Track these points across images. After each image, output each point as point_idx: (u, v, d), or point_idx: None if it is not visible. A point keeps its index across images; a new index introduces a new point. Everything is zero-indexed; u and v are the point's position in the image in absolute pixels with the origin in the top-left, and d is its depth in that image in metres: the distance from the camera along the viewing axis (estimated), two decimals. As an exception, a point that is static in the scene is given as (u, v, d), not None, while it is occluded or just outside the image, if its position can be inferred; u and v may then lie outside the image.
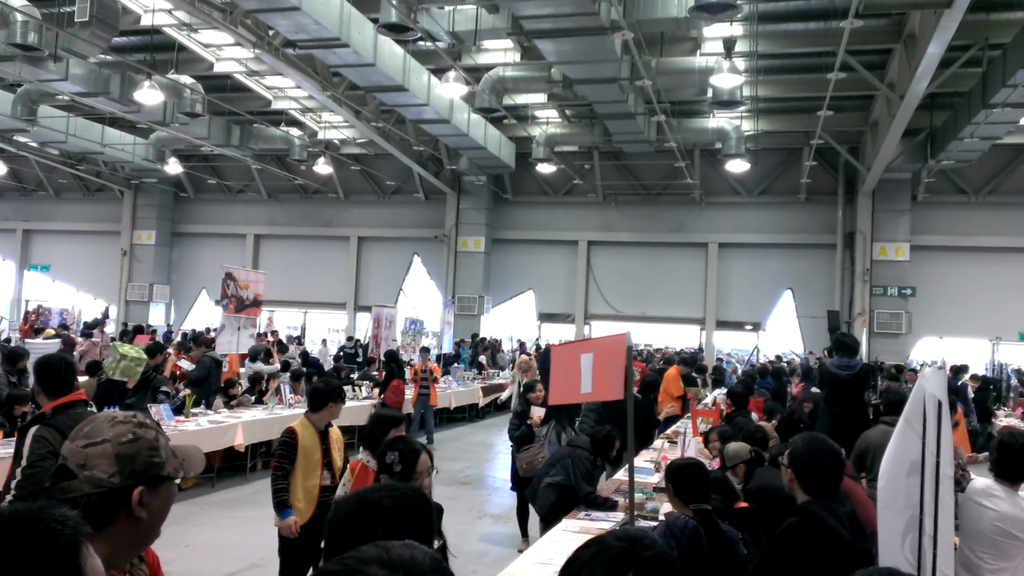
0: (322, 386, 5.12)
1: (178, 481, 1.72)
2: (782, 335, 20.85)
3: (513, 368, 15.28)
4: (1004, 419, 12.87)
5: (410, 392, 12.57)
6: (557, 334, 21.47)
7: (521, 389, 11.48)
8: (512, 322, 23.11)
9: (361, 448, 4.30)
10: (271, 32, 12.68)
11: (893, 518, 3.47)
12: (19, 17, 11.61)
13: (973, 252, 19.50)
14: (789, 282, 20.84)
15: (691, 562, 3.28)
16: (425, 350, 14.16)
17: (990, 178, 19.36)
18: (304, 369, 13.12)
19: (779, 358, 18.33)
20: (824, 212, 20.43)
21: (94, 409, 4.64)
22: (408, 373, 13.02)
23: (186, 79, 15.27)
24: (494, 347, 20.00)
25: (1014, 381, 15.83)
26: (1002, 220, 19.25)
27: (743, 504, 4.22)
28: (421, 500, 1.83)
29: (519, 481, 6.99)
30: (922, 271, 19.40)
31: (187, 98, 15.27)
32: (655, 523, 4.17)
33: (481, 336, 20.45)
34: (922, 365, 16.10)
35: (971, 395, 13.03)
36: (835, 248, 20.18)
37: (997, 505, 3.49)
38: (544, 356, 12.36)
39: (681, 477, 3.59)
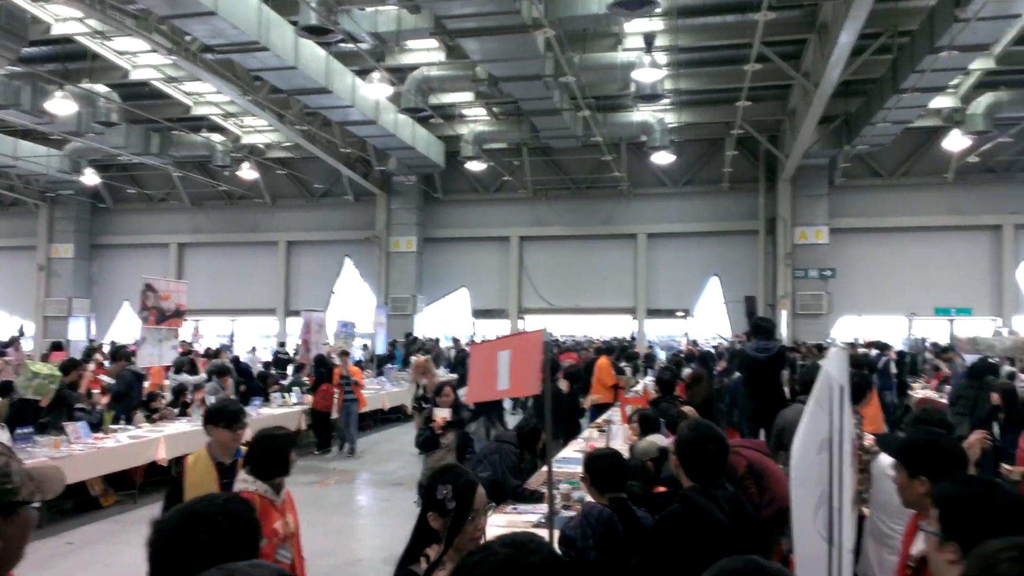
0: (228, 403, 4.29)
1: (36, 505, 1.65)
2: (710, 320, 21.40)
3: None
4: (920, 391, 13.48)
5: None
6: (492, 330, 21.56)
7: (421, 392, 11.18)
8: (447, 320, 23.12)
9: (242, 472, 3.55)
10: (188, 37, 12.41)
11: (806, 494, 3.63)
12: (-85, 27, 11.08)
13: (889, 232, 20.35)
14: (715, 269, 21.40)
15: (607, 549, 3.38)
16: (344, 354, 13.63)
17: (903, 160, 20.22)
18: (226, 365, 12.89)
19: (694, 343, 18.80)
20: (747, 199, 21.03)
21: None
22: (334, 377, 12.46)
23: (101, 88, 14.82)
24: (427, 347, 19.95)
25: (928, 355, 16.58)
26: (915, 201, 20.13)
27: (661, 489, 4.36)
28: (245, 505, 1.78)
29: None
30: (841, 253, 20.14)
31: (102, 107, 14.84)
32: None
33: (414, 336, 20.39)
34: (829, 345, 16.69)
35: (894, 371, 13.61)
36: (758, 234, 20.80)
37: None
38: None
39: (597, 468, 3.68)
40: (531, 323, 21.69)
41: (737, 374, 8.35)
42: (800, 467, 3.62)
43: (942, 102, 16.88)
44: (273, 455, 3.48)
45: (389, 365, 17.16)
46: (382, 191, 22.28)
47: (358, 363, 16.15)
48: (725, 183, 20.85)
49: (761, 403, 7.01)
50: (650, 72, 13.25)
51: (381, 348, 18.78)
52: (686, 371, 9.61)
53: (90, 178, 20.94)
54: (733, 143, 18.60)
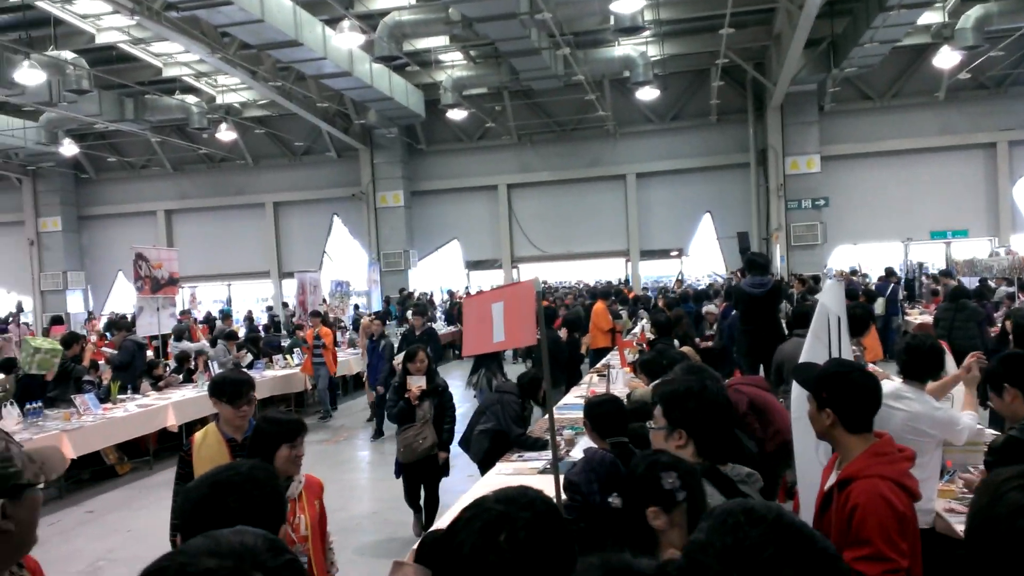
0: (230, 374, 3.92)
1: (40, 486, 1.67)
2: (705, 259, 21.33)
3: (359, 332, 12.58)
4: (919, 317, 13.49)
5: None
6: (486, 281, 21.48)
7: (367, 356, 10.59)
8: (441, 273, 23.01)
9: None
10: (149, -5, 11.97)
11: (807, 426, 3.60)
12: None
13: (881, 157, 20.14)
14: (708, 205, 21.22)
15: (611, 492, 3.35)
16: (315, 314, 12.99)
17: (893, 81, 19.89)
18: (232, 330, 12.85)
19: (680, 282, 18.76)
20: (736, 131, 20.74)
21: None
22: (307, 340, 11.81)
23: (68, 55, 14.38)
24: (423, 302, 19.88)
25: (925, 279, 16.57)
26: (907, 122, 19.88)
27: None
28: (268, 472, 1.84)
29: (401, 467, 6.11)
30: (834, 181, 19.96)
31: (71, 74, 14.45)
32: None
33: (408, 291, 20.29)
34: (824, 275, 16.68)
35: (901, 296, 13.64)
36: (749, 167, 20.57)
37: (908, 406, 3.63)
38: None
39: (597, 413, 3.66)
40: (525, 272, 21.60)
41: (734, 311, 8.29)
42: (800, 400, 3.58)
43: (930, 17, 16.49)
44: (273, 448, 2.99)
45: (388, 322, 17.09)
46: (364, 146, 21.92)
47: (356, 322, 16.08)
48: (713, 116, 20.53)
49: (758, 339, 6.97)
50: (629, 3, 12.88)
51: (376, 305, 18.71)
52: (707, 307, 9.57)
53: (68, 148, 20.52)
54: (719, 73, 18.20)
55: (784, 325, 7.21)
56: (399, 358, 9.08)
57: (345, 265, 22.13)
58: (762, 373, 6.72)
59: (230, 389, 3.57)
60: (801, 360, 3.77)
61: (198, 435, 3.68)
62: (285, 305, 20.52)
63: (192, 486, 1.81)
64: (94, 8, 14.26)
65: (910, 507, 2.40)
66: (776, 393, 5.35)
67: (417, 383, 5.99)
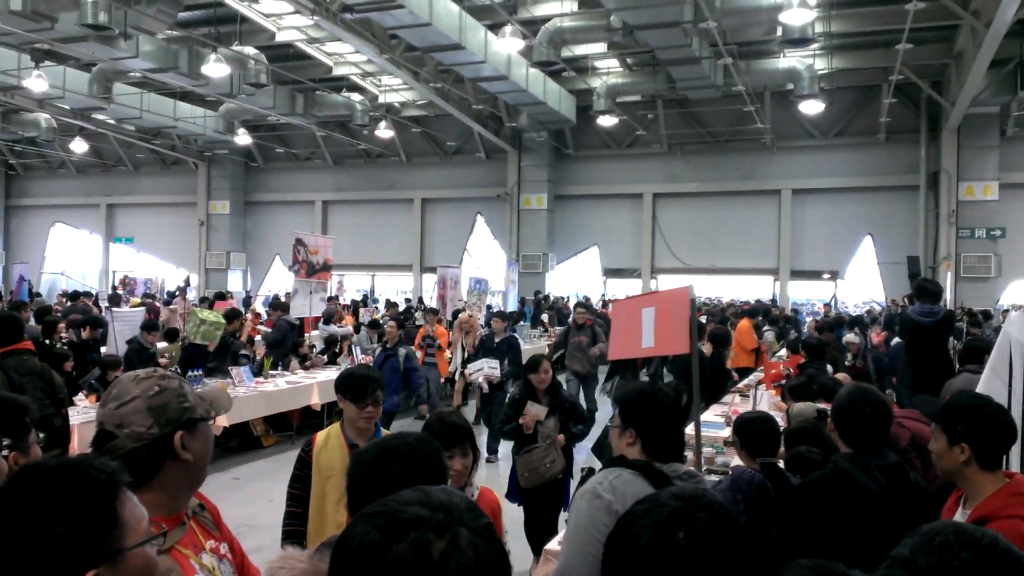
0: (357, 370, 3.52)
1: (212, 423, 1.84)
2: (862, 283, 20.13)
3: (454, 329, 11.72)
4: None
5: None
6: (623, 289, 21.25)
7: (466, 355, 10.30)
8: (577, 279, 22.98)
9: None
10: (327, -4, 12.68)
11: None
12: (88, -2, 11.89)
13: (1069, 188, 18.32)
14: (869, 227, 20.02)
15: (758, 515, 3.21)
16: (432, 311, 12.68)
17: (1086, 108, 18.03)
18: (376, 320, 13.20)
19: (827, 306, 17.73)
20: (905, 152, 19.44)
21: (36, 358, 4.98)
22: (416, 338, 11.31)
23: (250, 50, 15.45)
24: (558, 306, 19.91)
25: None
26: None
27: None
28: (433, 447, 1.92)
29: (520, 492, 5.33)
30: (1012, 210, 18.35)
31: (252, 69, 15.47)
32: (723, 477, 4.08)
33: (544, 294, 20.37)
34: (1007, 310, 15.36)
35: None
36: (918, 190, 19.23)
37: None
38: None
39: (748, 431, 3.51)
40: (664, 283, 21.17)
41: (896, 340, 7.76)
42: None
43: None
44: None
45: (520, 323, 17.26)
46: (513, 148, 22.25)
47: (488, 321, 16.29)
48: (881, 134, 19.33)
49: (925, 371, 6.47)
50: (799, 14, 12.33)
51: (512, 305, 18.92)
52: (850, 336, 9.10)
53: (242, 138, 22.14)
54: (890, 90, 17.11)
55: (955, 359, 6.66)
56: (474, 367, 8.98)
57: (484, 263, 22.53)
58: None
59: (355, 386, 3.29)
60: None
61: (320, 436, 3.42)
62: (420, 300, 21.12)
63: (363, 450, 1.91)
64: (277, 8, 15.28)
65: None
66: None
67: (535, 411, 5.11)
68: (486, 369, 9.08)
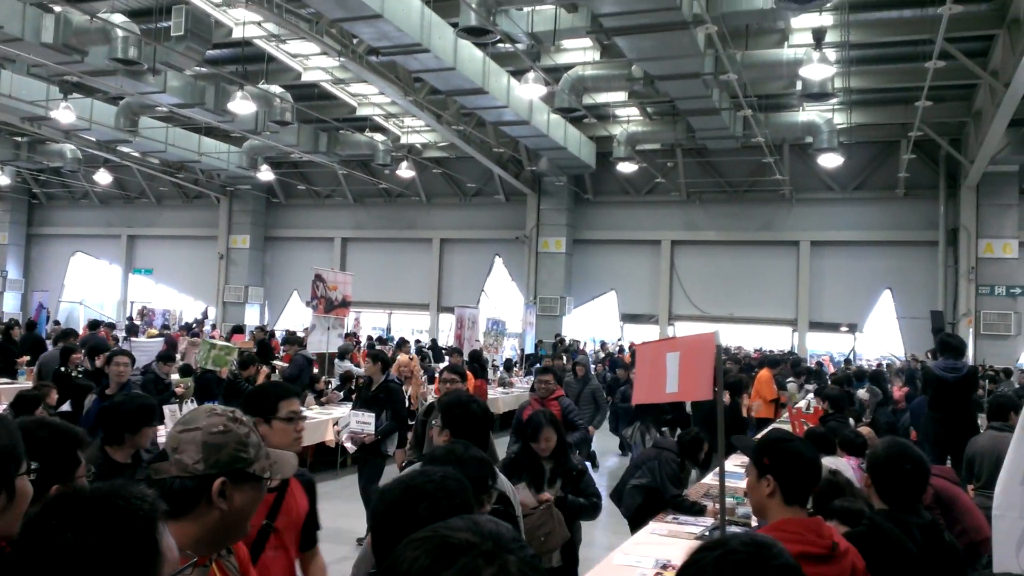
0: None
1: (268, 481, 1.75)
2: (881, 337, 19.95)
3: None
4: None
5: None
6: (640, 335, 21.16)
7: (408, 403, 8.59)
8: (594, 323, 22.93)
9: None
10: (355, 40, 12.95)
11: (1009, 528, 3.27)
12: (120, 33, 12.19)
13: (1090, 247, 18.20)
14: (887, 281, 19.93)
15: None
16: (455, 351, 12.43)
17: (1106, 168, 18.01)
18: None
19: (848, 361, 17.55)
20: (924, 208, 19.44)
21: None
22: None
23: (276, 89, 15.75)
24: (574, 349, 19.84)
25: None
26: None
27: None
28: (462, 484, 1.87)
29: None
30: (1033, 268, 18.24)
31: (277, 107, 15.76)
32: (745, 528, 4.00)
33: (561, 337, 20.33)
34: (1016, 369, 15.16)
35: None
36: (937, 245, 19.17)
37: None
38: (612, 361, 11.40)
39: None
40: (681, 330, 21.07)
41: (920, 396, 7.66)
42: (1003, 498, 3.24)
43: None
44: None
45: (537, 365, 17.19)
46: (532, 191, 22.43)
47: (507, 362, 16.26)
48: (900, 189, 19.35)
49: (948, 427, 6.38)
50: (819, 69, 12.50)
51: (529, 348, 18.88)
52: (861, 391, 8.98)
53: (265, 174, 22.45)
54: (909, 146, 17.17)
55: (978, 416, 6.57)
56: (342, 422, 7.45)
57: (501, 305, 22.55)
58: (949, 464, 6.14)
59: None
60: (1008, 458, 3.43)
61: None
62: (434, 341, 21.10)
63: (387, 487, 1.86)
64: (304, 49, 15.62)
65: None
66: (961, 487, 4.92)
67: (525, 498, 4.10)
68: (353, 424, 7.04)
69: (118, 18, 12.36)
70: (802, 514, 2.48)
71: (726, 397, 8.20)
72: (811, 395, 10.95)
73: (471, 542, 1.01)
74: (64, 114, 15.58)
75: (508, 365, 15.88)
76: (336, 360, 12.67)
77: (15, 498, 1.44)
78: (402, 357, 10.09)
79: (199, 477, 1.63)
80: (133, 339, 15.38)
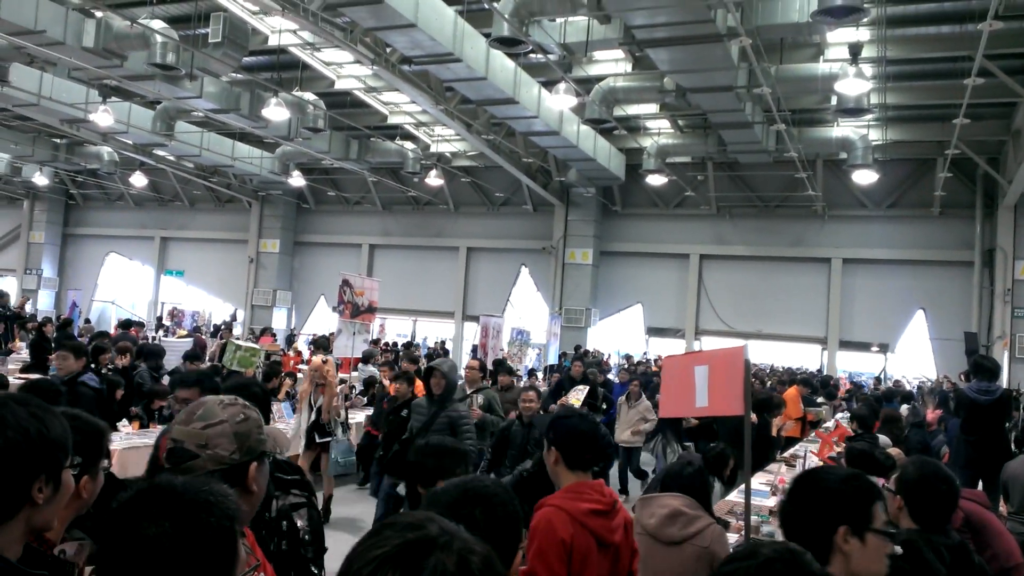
0: None
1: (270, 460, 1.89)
2: (913, 358, 19.58)
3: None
4: None
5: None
6: (666, 349, 20.97)
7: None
8: (620, 335, 22.79)
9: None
10: (388, 49, 13.04)
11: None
12: (159, 39, 12.40)
13: None
14: (921, 301, 19.58)
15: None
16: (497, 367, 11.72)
17: None
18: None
19: (878, 380, 17.21)
20: (960, 227, 19.09)
21: None
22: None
23: (309, 96, 15.92)
24: (598, 361, 19.71)
25: None
26: None
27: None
28: (510, 494, 1.89)
29: None
30: (1072, 291, 17.80)
31: (310, 114, 15.92)
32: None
33: (585, 348, 20.20)
34: None
35: None
36: (972, 266, 18.80)
37: None
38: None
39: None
40: (708, 345, 20.86)
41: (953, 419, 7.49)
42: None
43: None
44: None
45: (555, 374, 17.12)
46: (560, 202, 22.40)
47: (530, 372, 16.24)
48: (935, 208, 19.03)
49: (981, 451, 6.23)
50: (855, 84, 12.34)
51: (553, 358, 18.81)
52: (902, 409, 8.79)
53: (296, 180, 22.69)
54: (946, 164, 16.89)
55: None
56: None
57: (526, 315, 22.51)
58: (980, 487, 5.98)
59: None
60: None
61: None
62: (442, 345, 21.14)
63: (442, 490, 1.87)
64: (338, 57, 15.78)
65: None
66: (992, 511, 4.80)
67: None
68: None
69: (157, 24, 12.57)
70: (586, 477, 2.87)
71: (752, 416, 8.10)
72: (840, 414, 10.78)
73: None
74: (102, 117, 15.88)
75: (531, 374, 15.89)
76: (360, 364, 12.71)
77: (60, 491, 1.46)
78: (315, 360, 8.86)
79: (235, 466, 1.72)
80: (164, 339, 15.58)
